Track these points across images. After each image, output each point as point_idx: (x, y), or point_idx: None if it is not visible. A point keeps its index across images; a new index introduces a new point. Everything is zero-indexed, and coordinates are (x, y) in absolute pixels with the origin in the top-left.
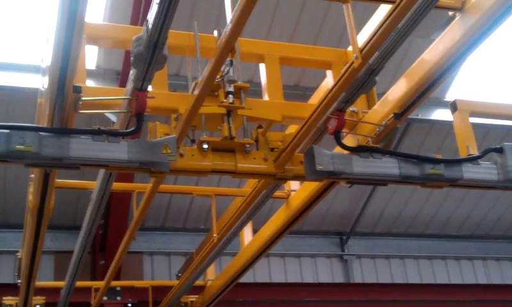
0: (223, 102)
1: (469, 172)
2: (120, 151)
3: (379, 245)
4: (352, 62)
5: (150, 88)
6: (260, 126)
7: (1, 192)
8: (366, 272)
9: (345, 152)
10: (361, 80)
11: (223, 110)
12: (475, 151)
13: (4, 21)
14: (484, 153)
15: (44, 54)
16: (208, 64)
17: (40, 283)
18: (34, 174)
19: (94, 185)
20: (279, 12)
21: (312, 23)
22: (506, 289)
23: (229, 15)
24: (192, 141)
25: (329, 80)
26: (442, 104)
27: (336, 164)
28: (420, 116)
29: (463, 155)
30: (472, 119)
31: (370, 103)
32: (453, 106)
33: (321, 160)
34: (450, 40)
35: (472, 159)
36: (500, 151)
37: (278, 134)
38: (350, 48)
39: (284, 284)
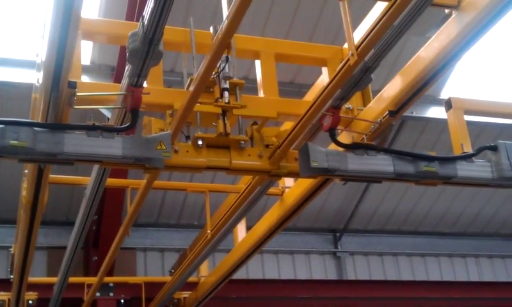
0: (218, 101)
1: (463, 170)
2: (114, 147)
3: (372, 242)
4: (348, 60)
5: (145, 84)
6: (255, 123)
7: None
8: (359, 269)
9: (340, 149)
10: (357, 78)
11: (219, 110)
12: (469, 149)
13: None
14: (478, 151)
15: (39, 49)
16: (203, 61)
17: (32, 279)
18: (27, 170)
19: (88, 180)
20: (275, 9)
21: (308, 20)
22: (498, 286)
23: (225, 11)
24: (187, 137)
25: (324, 77)
26: (437, 102)
27: (330, 161)
28: (414, 114)
29: (457, 152)
30: (466, 117)
31: (365, 101)
32: (447, 104)
33: (316, 157)
34: (446, 38)
35: (466, 157)
36: (494, 149)
37: (273, 129)
38: (346, 46)
39: (277, 280)
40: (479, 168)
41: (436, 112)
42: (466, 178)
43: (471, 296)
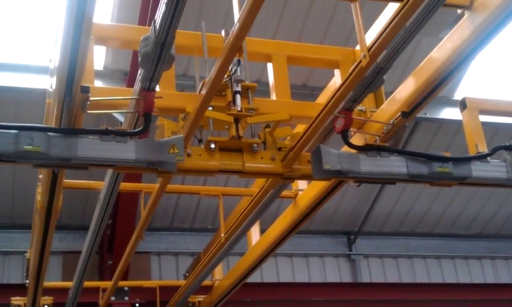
0: (230, 109)
1: (478, 170)
2: (127, 151)
3: (387, 244)
4: (360, 61)
5: (157, 88)
6: (267, 126)
7: (9, 193)
8: (374, 272)
9: (353, 151)
10: (369, 79)
11: (231, 119)
12: (484, 149)
13: (13, 22)
14: (493, 151)
15: (52, 54)
16: (215, 64)
17: (48, 283)
18: (42, 175)
19: (102, 185)
20: (286, 11)
21: (320, 23)
22: None
23: (236, 15)
24: (200, 141)
25: (337, 80)
26: (450, 103)
27: (343, 163)
28: (428, 115)
29: (472, 153)
30: (481, 118)
31: (378, 102)
32: (462, 104)
33: (328, 159)
34: (459, 38)
35: (481, 157)
36: (509, 148)
37: (285, 129)
38: (358, 47)
39: (292, 284)
40: (494, 168)
41: (450, 113)
42: (481, 179)
43: (487, 298)
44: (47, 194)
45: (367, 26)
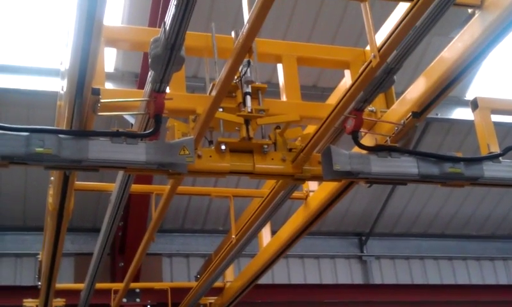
0: (241, 111)
1: (490, 170)
2: (138, 152)
3: (398, 245)
4: (370, 62)
5: (167, 90)
6: (278, 127)
7: (21, 195)
8: (385, 273)
9: (363, 152)
10: (380, 80)
11: (241, 120)
12: (496, 149)
13: (23, 25)
14: (505, 151)
15: (63, 57)
16: (225, 65)
17: (60, 285)
18: (53, 177)
19: (113, 187)
20: (296, 12)
21: (330, 23)
22: None
23: (246, 16)
24: (210, 142)
25: (347, 80)
26: (462, 103)
27: (353, 163)
28: (439, 115)
29: (484, 153)
30: (492, 118)
31: (388, 103)
32: (474, 104)
33: (338, 160)
34: (470, 38)
35: (493, 157)
36: None
37: (295, 130)
38: (368, 48)
39: (303, 285)
40: (506, 168)
41: (461, 113)
42: (493, 179)
43: (500, 299)
44: (58, 196)
45: (377, 26)
